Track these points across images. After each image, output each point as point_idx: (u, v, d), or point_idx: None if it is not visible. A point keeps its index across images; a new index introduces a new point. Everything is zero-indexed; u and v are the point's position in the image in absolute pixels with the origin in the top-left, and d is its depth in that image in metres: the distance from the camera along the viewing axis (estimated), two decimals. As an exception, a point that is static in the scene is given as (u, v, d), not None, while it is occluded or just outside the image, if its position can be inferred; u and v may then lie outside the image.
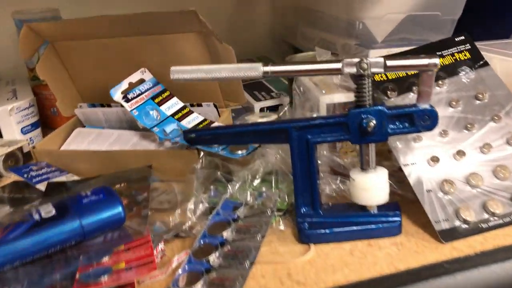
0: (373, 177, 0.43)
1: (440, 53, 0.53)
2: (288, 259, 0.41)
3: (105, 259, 0.41)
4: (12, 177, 0.64)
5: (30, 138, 0.74)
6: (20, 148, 0.68)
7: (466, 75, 0.52)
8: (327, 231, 0.43)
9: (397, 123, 0.42)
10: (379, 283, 0.38)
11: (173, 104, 0.67)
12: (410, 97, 0.50)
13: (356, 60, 0.41)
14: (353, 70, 0.41)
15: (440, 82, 0.51)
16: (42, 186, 0.58)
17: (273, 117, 0.70)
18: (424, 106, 0.41)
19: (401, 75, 0.51)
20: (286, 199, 0.48)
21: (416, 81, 0.51)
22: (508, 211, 0.44)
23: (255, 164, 0.55)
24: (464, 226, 0.43)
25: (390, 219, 0.43)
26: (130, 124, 0.71)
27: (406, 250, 0.41)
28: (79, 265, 0.40)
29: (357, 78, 0.41)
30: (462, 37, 0.54)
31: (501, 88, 0.51)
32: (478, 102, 0.50)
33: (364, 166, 0.43)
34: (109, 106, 0.71)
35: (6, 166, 0.66)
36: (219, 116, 0.67)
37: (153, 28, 0.64)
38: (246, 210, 0.47)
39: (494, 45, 0.65)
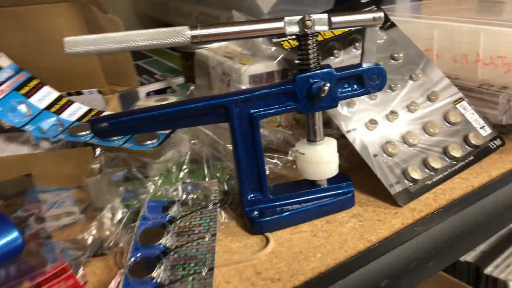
0: (323, 149, 0.39)
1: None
2: (249, 256, 0.35)
3: (9, 307, 0.29)
4: None
5: None
6: None
7: (378, 36, 0.51)
8: (282, 215, 0.38)
9: (346, 85, 0.38)
10: (360, 260, 0.34)
11: (46, 95, 0.54)
12: (353, 54, 0.48)
13: (299, 17, 0.36)
14: (295, 29, 0.36)
15: (356, 44, 0.50)
16: None
17: (172, 99, 0.61)
18: (370, 64, 0.38)
19: (339, 32, 0.48)
20: (220, 187, 0.42)
21: (358, 36, 0.48)
22: (444, 164, 0.44)
23: (169, 154, 0.47)
24: (414, 185, 0.42)
25: (344, 190, 0.40)
26: (-17, 125, 0.55)
27: (369, 221, 0.38)
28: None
29: (301, 38, 0.36)
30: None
31: (412, 47, 0.51)
32: (394, 62, 0.50)
33: (312, 138, 0.39)
34: None
35: None
36: (106, 104, 0.56)
37: (7, -2, 0.50)
38: (180, 208, 0.39)
39: (388, 9, 0.66)
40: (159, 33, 0.34)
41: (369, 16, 0.36)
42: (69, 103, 0.54)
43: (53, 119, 0.52)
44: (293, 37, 0.45)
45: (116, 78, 0.58)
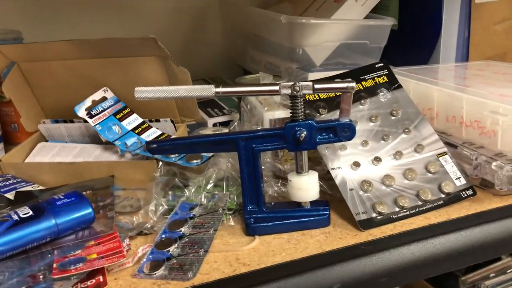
0: (306, 179, 0.52)
1: (363, 77, 0.64)
2: (237, 248, 0.50)
3: (78, 252, 0.47)
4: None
5: (-7, 152, 0.78)
6: (-16, 162, 0.72)
7: (383, 96, 0.63)
8: (269, 224, 0.52)
9: (324, 134, 0.51)
10: (308, 261, 0.47)
11: (133, 120, 0.74)
12: (338, 114, 0.60)
13: (291, 83, 0.50)
14: (288, 91, 0.50)
15: (362, 101, 0.62)
16: (10, 195, 0.63)
17: (224, 131, 0.78)
18: (345, 120, 0.51)
19: (331, 95, 0.61)
20: (236, 200, 0.57)
21: (342, 100, 0.61)
22: (413, 204, 0.54)
23: (209, 171, 0.63)
24: (379, 217, 0.53)
25: (321, 212, 0.53)
26: (92, 139, 0.77)
27: (332, 238, 0.50)
28: (55, 258, 0.46)
29: (292, 98, 0.50)
30: (381, 64, 0.65)
31: (411, 106, 0.62)
32: (393, 117, 0.61)
33: (299, 170, 0.52)
34: (71, 121, 0.77)
35: (-29, 179, 0.69)
36: (176, 130, 0.75)
37: (114, 51, 0.71)
38: (200, 210, 0.55)
39: (413, 70, 0.77)
40: (194, 89, 0.51)
41: (344, 85, 0.49)
42: (148, 127, 0.74)
43: (135, 138, 0.72)
44: (310, 92, 0.56)
45: (184, 112, 0.76)
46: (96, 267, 0.44)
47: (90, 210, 0.51)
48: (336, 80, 0.50)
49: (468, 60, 0.89)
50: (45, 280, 0.43)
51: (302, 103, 0.50)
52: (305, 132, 0.50)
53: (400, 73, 0.71)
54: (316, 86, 0.50)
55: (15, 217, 0.47)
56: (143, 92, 0.51)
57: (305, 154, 0.52)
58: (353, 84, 0.49)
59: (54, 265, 0.45)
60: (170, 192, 0.61)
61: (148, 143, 0.53)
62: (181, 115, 0.78)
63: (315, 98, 0.61)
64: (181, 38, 1.13)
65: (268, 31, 0.93)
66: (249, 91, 0.51)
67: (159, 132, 0.73)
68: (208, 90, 0.50)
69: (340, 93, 0.60)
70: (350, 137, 0.51)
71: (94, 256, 0.46)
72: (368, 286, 0.49)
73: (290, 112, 0.51)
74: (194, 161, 0.63)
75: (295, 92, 0.50)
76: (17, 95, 0.76)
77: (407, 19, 0.92)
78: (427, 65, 0.85)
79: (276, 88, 0.50)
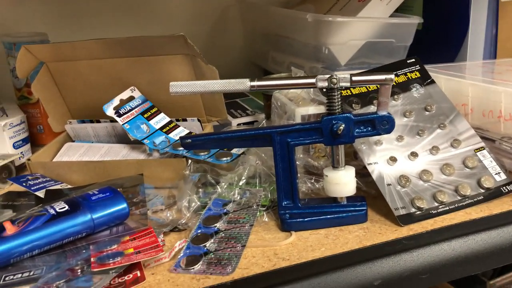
0: (342, 174, 0.51)
1: (395, 72, 0.63)
2: (274, 243, 0.49)
3: (114, 247, 0.46)
4: (5, 188, 0.68)
5: (21, 152, 0.78)
6: (12, 161, 0.73)
7: (417, 91, 0.62)
8: (305, 220, 0.51)
9: (362, 127, 0.50)
10: (350, 256, 0.46)
11: (161, 119, 0.74)
12: (371, 109, 0.60)
13: (327, 76, 0.49)
14: (325, 84, 0.49)
15: (395, 96, 0.61)
16: (41, 194, 0.63)
17: (251, 130, 0.77)
18: (383, 113, 0.50)
19: (363, 91, 0.61)
20: (269, 196, 0.56)
21: (375, 95, 0.60)
22: (452, 200, 0.53)
23: (239, 169, 0.62)
24: (418, 212, 0.51)
25: (358, 208, 0.52)
26: (119, 138, 0.77)
27: (372, 233, 0.49)
28: (91, 252, 0.46)
29: (329, 91, 0.50)
30: (413, 60, 0.64)
31: (446, 102, 0.61)
32: (427, 113, 0.60)
33: (335, 165, 0.52)
34: (98, 121, 0.77)
35: (0, 178, 0.70)
36: (202, 130, 0.75)
37: (142, 50, 0.71)
38: (234, 206, 0.54)
39: (441, 67, 0.76)
40: (229, 83, 0.50)
41: (382, 76, 0.49)
42: (176, 126, 0.73)
43: (163, 137, 0.71)
44: (347, 84, 0.53)
45: (211, 111, 0.76)
46: (134, 261, 0.44)
47: (125, 205, 0.50)
48: (373, 72, 0.49)
49: (496, 58, 0.87)
50: (83, 274, 0.43)
51: (339, 96, 0.50)
52: (343, 125, 0.49)
53: (430, 70, 0.70)
54: (354, 78, 0.49)
55: (52, 211, 0.47)
56: (178, 86, 0.51)
57: (342, 148, 0.51)
58: (392, 76, 0.48)
59: (92, 259, 0.44)
60: (200, 190, 0.60)
61: (182, 138, 0.53)
62: (207, 114, 0.77)
63: (347, 94, 0.61)
64: (202, 40, 1.13)
65: (293, 31, 0.93)
66: (284, 84, 0.50)
67: (186, 131, 0.73)
68: (243, 84, 0.50)
69: (375, 87, 0.60)
70: (389, 130, 0.50)
71: (131, 250, 0.45)
72: (409, 283, 0.48)
73: (327, 105, 0.50)
74: (224, 159, 0.62)
75: (332, 85, 0.49)
76: (45, 96, 0.76)
77: (432, 18, 0.91)
78: (455, 63, 0.84)
79: (313, 80, 0.49)
